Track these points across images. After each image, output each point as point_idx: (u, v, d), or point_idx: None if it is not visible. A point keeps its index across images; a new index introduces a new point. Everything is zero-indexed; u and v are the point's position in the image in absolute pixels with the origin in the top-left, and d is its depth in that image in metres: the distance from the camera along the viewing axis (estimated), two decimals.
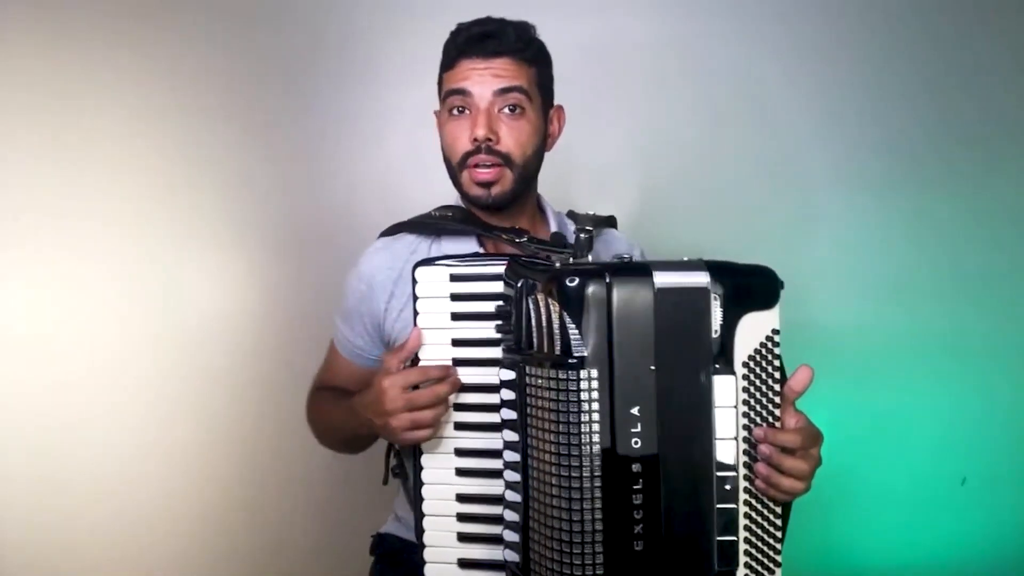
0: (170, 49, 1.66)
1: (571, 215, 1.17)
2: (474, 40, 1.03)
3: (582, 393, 0.80)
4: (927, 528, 1.74)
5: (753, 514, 0.86)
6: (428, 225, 1.10)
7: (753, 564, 0.86)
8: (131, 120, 1.66)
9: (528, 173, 1.08)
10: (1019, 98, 1.78)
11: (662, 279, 0.83)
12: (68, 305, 1.65)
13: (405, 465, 1.08)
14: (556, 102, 1.14)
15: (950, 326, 1.75)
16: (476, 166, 1.04)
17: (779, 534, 0.87)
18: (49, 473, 1.64)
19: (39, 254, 1.64)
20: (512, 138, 1.04)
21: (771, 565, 0.87)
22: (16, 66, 1.62)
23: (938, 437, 1.74)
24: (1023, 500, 1.75)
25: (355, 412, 0.97)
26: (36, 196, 1.63)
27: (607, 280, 0.82)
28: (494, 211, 1.09)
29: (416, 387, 0.91)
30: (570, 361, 0.81)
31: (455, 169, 1.07)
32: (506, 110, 1.04)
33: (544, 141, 1.10)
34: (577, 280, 0.82)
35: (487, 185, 1.05)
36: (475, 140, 1.03)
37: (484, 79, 1.03)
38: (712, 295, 0.84)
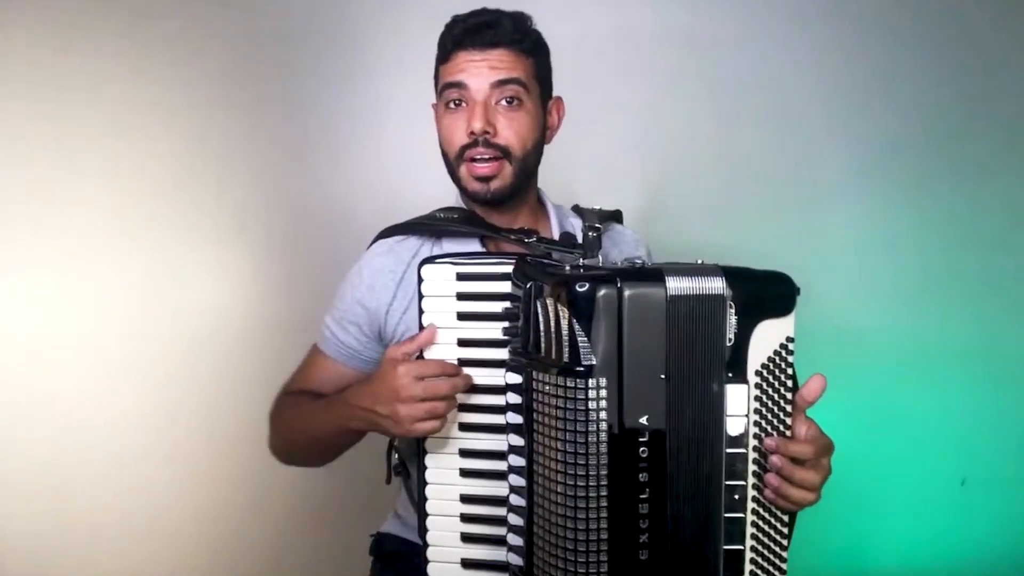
0: (169, 48, 1.65)
1: (576, 210, 1.15)
2: (470, 31, 1.01)
3: (590, 402, 0.79)
4: (927, 528, 1.75)
5: (760, 523, 0.86)
6: (429, 226, 1.07)
7: (758, 572, 0.86)
8: (129, 119, 1.64)
9: (528, 166, 1.06)
10: None
11: (675, 285, 0.82)
12: (70, 305, 1.65)
13: (407, 464, 1.08)
14: (555, 93, 1.11)
15: (950, 328, 1.74)
16: (474, 160, 1.02)
17: (785, 543, 0.87)
18: (51, 472, 1.65)
19: (40, 254, 1.64)
20: (511, 130, 1.02)
21: (776, 573, 0.87)
22: (19, 62, 1.61)
23: (938, 437, 1.74)
24: (1023, 500, 1.75)
25: (345, 404, 0.94)
26: (37, 196, 1.63)
27: (618, 286, 0.80)
28: (494, 206, 1.06)
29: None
30: (578, 369, 0.80)
31: (453, 163, 1.05)
32: (503, 102, 1.02)
33: (543, 133, 1.08)
34: (588, 286, 0.81)
35: (486, 180, 1.03)
36: (472, 133, 1.01)
37: (480, 71, 1.00)
38: (728, 302, 0.83)
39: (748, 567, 0.85)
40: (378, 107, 1.68)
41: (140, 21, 1.63)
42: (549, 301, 0.82)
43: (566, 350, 0.81)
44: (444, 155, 1.07)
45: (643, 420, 0.81)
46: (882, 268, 1.76)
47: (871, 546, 1.77)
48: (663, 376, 0.81)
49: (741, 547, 0.84)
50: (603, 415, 0.80)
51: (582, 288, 0.81)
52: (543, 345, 0.83)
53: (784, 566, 0.88)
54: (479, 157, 1.02)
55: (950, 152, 1.75)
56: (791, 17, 1.71)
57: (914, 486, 1.76)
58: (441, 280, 0.95)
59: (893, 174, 1.75)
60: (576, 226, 1.12)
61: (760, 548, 0.86)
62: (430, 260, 0.96)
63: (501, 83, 1.01)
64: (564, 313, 0.81)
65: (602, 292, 0.80)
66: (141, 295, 1.67)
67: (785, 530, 0.87)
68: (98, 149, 1.64)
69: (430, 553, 0.95)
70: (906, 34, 1.73)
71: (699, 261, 0.89)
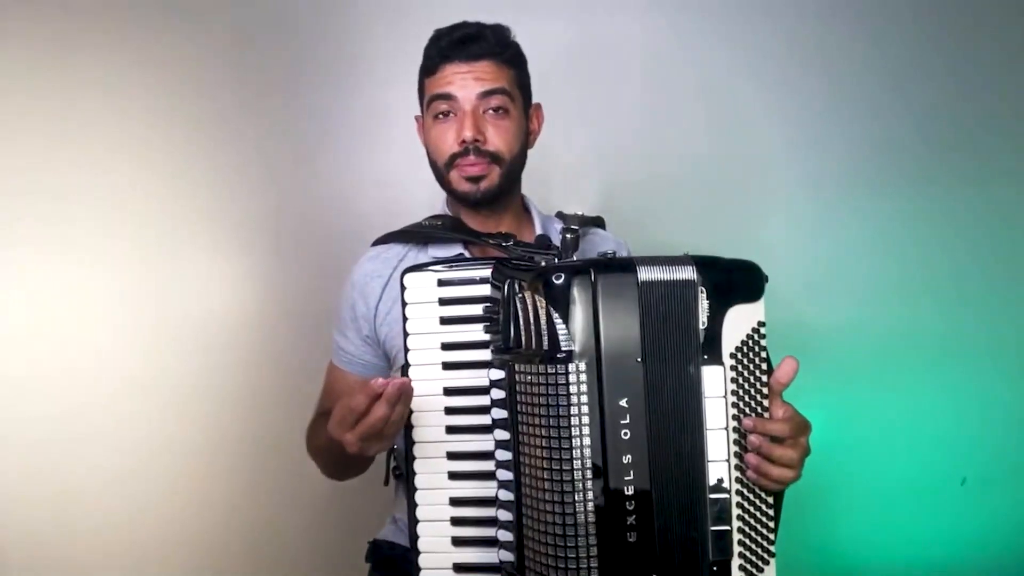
0: (168, 52, 1.73)
1: (560, 215, 1.23)
2: (455, 45, 1.10)
3: (571, 386, 0.84)
4: (927, 528, 1.78)
5: (745, 503, 0.90)
6: (417, 234, 1.16)
7: (747, 554, 0.89)
8: (130, 122, 1.72)
9: (514, 170, 1.15)
10: (1015, 96, 1.84)
11: (646, 274, 0.88)
12: (68, 306, 1.70)
13: (403, 467, 1.12)
14: (533, 100, 1.21)
15: (950, 326, 1.80)
16: (464, 166, 1.11)
17: (772, 524, 0.91)
18: (46, 472, 1.68)
19: (40, 255, 1.69)
20: (499, 137, 1.11)
21: (765, 556, 0.90)
22: (16, 69, 1.69)
23: (938, 437, 1.79)
24: (1023, 500, 1.79)
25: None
26: (36, 198, 1.69)
27: (592, 276, 0.86)
28: (483, 206, 1.15)
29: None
30: (558, 355, 0.85)
31: (442, 171, 1.14)
32: (490, 111, 1.11)
33: (527, 139, 1.18)
34: (563, 277, 0.87)
35: (476, 180, 1.11)
36: (463, 142, 1.09)
37: (467, 82, 1.09)
38: (699, 288, 0.89)
39: (736, 548, 0.89)
40: (381, 114, 1.76)
41: (143, 28, 1.72)
42: (527, 295, 0.88)
43: (545, 339, 0.86)
44: (433, 164, 1.15)
45: (623, 403, 0.86)
46: (874, 267, 1.82)
47: (870, 544, 1.79)
48: (639, 359, 0.86)
49: (728, 527, 0.88)
50: (584, 399, 0.84)
51: (558, 280, 0.87)
52: (523, 338, 0.88)
53: (772, 548, 0.91)
54: (469, 164, 1.10)
55: (933, 153, 1.83)
56: (774, 16, 1.81)
57: (913, 485, 1.79)
58: (423, 287, 1.01)
59: (875, 175, 1.83)
60: (559, 231, 1.19)
61: (747, 529, 0.90)
62: (412, 268, 1.02)
63: (488, 93, 1.10)
64: (542, 304, 0.87)
65: (577, 281, 0.86)
66: (144, 299, 1.72)
67: (771, 512, 0.91)
68: (102, 154, 1.71)
69: (422, 560, 0.98)
70: (884, 32, 1.82)
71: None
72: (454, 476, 0.98)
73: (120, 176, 1.72)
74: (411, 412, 0.98)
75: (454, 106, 1.10)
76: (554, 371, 0.85)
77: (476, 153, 1.10)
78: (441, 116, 1.12)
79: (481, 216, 1.16)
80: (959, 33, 1.84)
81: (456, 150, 1.10)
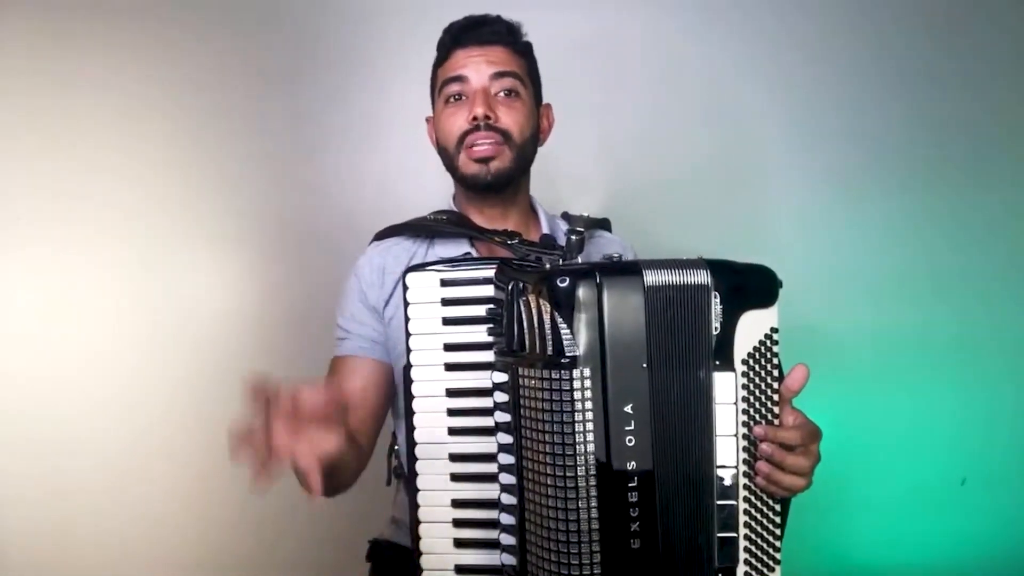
0: (169, 51, 1.78)
1: (565, 216, 1.26)
2: (468, 29, 1.15)
3: (575, 392, 0.87)
4: (927, 528, 1.84)
5: (753, 511, 0.93)
6: (421, 228, 1.19)
7: (753, 561, 0.93)
8: (130, 122, 1.77)
9: (525, 155, 1.18)
10: (1015, 96, 1.88)
11: (652, 277, 0.91)
12: (68, 305, 1.75)
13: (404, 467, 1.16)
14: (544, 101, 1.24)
15: (949, 327, 1.85)
16: (474, 145, 1.14)
17: (778, 531, 0.95)
18: (46, 471, 1.74)
19: (40, 255, 1.75)
20: (510, 117, 1.15)
21: (771, 563, 0.94)
22: (16, 68, 1.74)
23: (938, 437, 1.84)
24: (1023, 500, 1.84)
25: None
26: (37, 198, 1.74)
27: (597, 280, 0.89)
28: (492, 192, 1.17)
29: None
30: (562, 361, 0.88)
31: (452, 153, 1.17)
32: (502, 93, 1.15)
33: (538, 129, 1.21)
34: (568, 280, 0.89)
35: (486, 160, 1.14)
36: (474, 119, 1.13)
37: (479, 65, 1.14)
38: (712, 292, 0.92)
39: (742, 555, 0.92)
40: (381, 115, 1.80)
41: (145, 26, 1.76)
42: (531, 298, 0.91)
43: (550, 344, 0.89)
44: (442, 151, 1.19)
45: (628, 408, 0.89)
46: (873, 269, 1.86)
47: (870, 544, 1.85)
48: (644, 365, 0.89)
49: (735, 534, 0.92)
50: (588, 404, 0.87)
51: (563, 283, 0.89)
52: (527, 342, 0.91)
53: (778, 555, 0.95)
54: (480, 140, 1.13)
55: (929, 153, 1.87)
56: (782, 16, 1.84)
57: (914, 485, 1.85)
58: (426, 287, 1.04)
59: (873, 174, 1.87)
60: (564, 232, 1.22)
61: (754, 536, 0.93)
62: (415, 268, 1.05)
63: (499, 75, 1.14)
64: (546, 308, 0.90)
65: (582, 285, 0.89)
66: (143, 299, 1.77)
67: (777, 519, 0.95)
68: (101, 153, 1.76)
69: (423, 561, 1.02)
70: (887, 35, 1.86)
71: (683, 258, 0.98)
72: (456, 478, 1.02)
73: (118, 176, 1.76)
74: (413, 413, 1.03)
75: (466, 88, 1.14)
76: (558, 376, 0.88)
77: (487, 129, 1.13)
78: (452, 100, 1.16)
79: (488, 212, 1.19)
80: (971, 30, 1.86)
81: (466, 128, 1.14)
